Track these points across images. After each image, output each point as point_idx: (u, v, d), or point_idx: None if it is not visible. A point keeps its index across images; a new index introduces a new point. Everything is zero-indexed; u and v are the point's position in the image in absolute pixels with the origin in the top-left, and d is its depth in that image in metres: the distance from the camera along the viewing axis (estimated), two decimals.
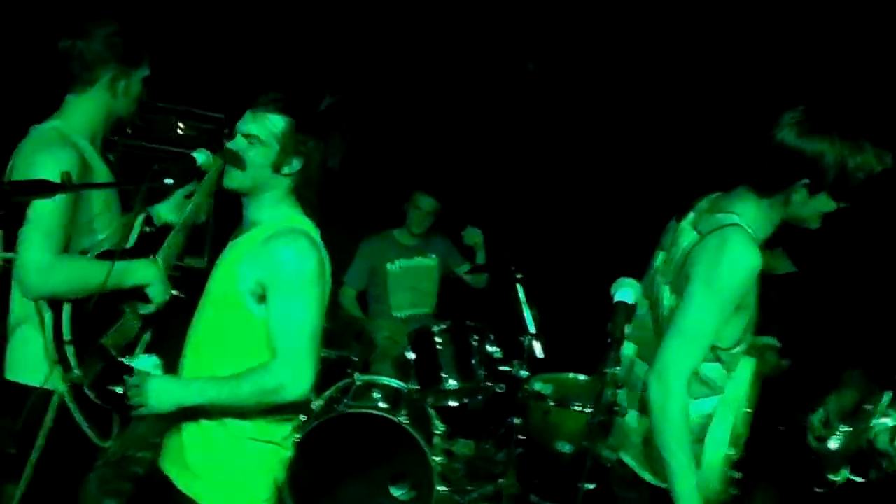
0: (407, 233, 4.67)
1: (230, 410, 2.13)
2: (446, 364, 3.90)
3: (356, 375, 3.95)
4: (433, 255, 4.72)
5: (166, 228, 2.46)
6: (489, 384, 3.94)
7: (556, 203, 5.34)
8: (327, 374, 3.78)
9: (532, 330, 3.90)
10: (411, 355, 3.98)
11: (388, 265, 4.63)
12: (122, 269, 2.22)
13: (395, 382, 3.95)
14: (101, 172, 2.36)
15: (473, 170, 5.30)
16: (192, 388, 2.11)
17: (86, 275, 2.18)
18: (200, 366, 2.21)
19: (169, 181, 2.08)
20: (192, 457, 2.19)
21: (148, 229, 2.43)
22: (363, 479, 3.78)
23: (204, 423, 2.17)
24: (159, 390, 2.07)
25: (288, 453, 2.27)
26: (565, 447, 3.69)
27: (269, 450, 2.21)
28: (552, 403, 3.75)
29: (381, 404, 3.72)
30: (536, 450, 3.83)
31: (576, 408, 3.70)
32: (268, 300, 2.13)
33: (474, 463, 4.36)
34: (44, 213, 2.14)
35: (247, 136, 2.19)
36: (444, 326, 3.97)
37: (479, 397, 4.06)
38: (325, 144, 2.24)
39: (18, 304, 2.30)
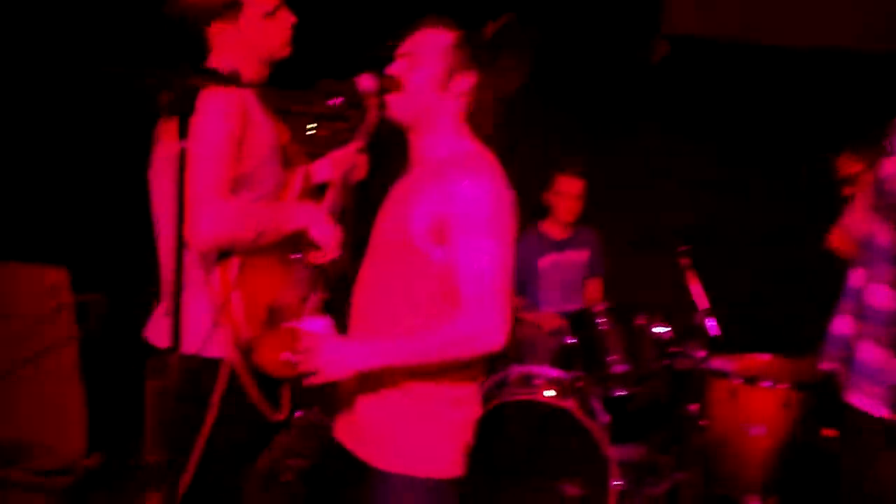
0: (556, 224, 4.35)
1: (415, 370, 1.89)
2: (612, 347, 3.56)
3: (511, 368, 3.66)
4: (583, 250, 4.37)
5: (323, 188, 2.27)
6: (661, 367, 3.59)
7: (713, 167, 4.89)
8: None
9: (704, 307, 3.55)
10: (571, 340, 3.66)
11: (538, 261, 4.31)
12: (286, 212, 2.07)
13: (554, 372, 3.64)
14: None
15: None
16: (372, 349, 1.87)
17: (258, 219, 2.00)
18: (373, 325, 1.99)
19: (333, 102, 1.88)
20: (372, 425, 1.97)
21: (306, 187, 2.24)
22: (528, 475, 3.46)
23: (383, 386, 1.94)
24: (335, 354, 1.85)
25: (476, 414, 2.00)
26: (758, 430, 3.29)
27: (455, 409, 1.96)
28: (740, 381, 3.35)
29: (547, 392, 3.41)
30: (721, 437, 3.43)
31: (767, 385, 3.29)
32: (450, 241, 1.87)
33: (647, 456, 3.97)
34: (209, 155, 1.96)
35: (407, 55, 1.96)
36: (606, 306, 3.64)
37: (650, 382, 3.70)
38: (500, 62, 1.99)
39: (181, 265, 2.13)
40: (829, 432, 3.34)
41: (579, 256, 4.35)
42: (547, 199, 4.29)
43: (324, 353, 1.84)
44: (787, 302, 4.31)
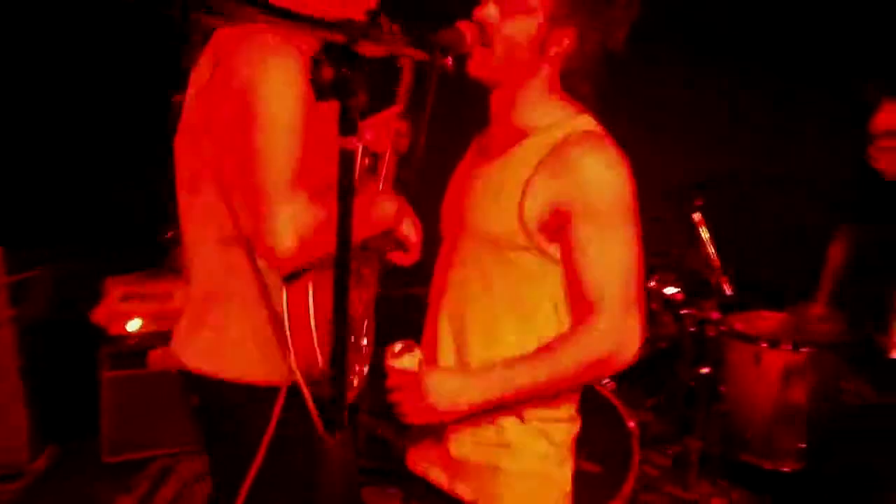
0: None
1: (539, 396, 1.52)
2: None
3: None
4: None
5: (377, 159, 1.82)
6: (672, 330, 3.37)
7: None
8: None
9: (717, 264, 3.34)
10: None
11: None
12: (371, 209, 1.61)
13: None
14: None
15: None
16: (491, 379, 1.49)
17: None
18: (472, 344, 1.57)
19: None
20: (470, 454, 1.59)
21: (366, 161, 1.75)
22: None
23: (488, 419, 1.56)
24: (445, 389, 1.48)
25: (577, 428, 1.64)
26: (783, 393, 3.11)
27: (561, 429, 1.60)
28: (765, 345, 3.16)
29: None
30: (744, 401, 3.25)
31: (789, 348, 3.12)
32: (573, 235, 1.49)
33: (654, 422, 3.77)
34: (284, 129, 1.46)
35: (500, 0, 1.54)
36: None
37: (660, 346, 3.47)
38: (605, 15, 1.54)
39: (217, 277, 1.65)
40: (849, 385, 3.21)
41: None
42: None
43: (428, 391, 1.48)
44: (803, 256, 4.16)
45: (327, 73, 1.11)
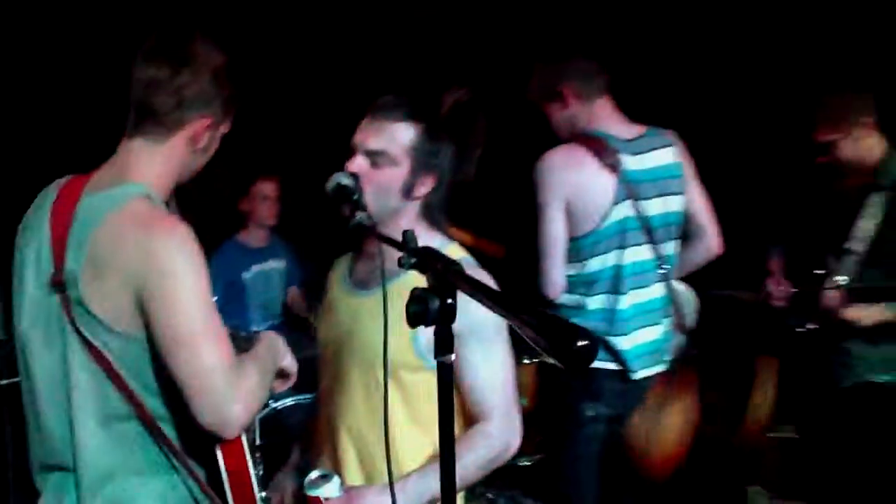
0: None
1: None
2: None
3: None
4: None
5: None
6: None
7: None
8: None
9: None
10: None
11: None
12: (267, 349, 1.77)
13: None
14: None
15: None
16: (409, 489, 1.69)
17: (262, 374, 1.67)
18: (374, 456, 1.78)
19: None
20: None
21: None
22: None
23: None
24: None
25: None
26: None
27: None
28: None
29: None
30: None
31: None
32: (461, 352, 1.68)
33: None
34: (206, 316, 1.56)
35: (370, 153, 1.76)
36: None
37: None
38: (457, 152, 1.80)
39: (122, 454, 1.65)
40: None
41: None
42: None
43: None
44: None
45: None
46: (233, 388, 1.54)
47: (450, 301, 1.23)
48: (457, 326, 1.54)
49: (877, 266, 2.81)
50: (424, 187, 1.79)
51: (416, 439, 1.77)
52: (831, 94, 2.94)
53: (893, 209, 2.82)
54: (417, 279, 1.61)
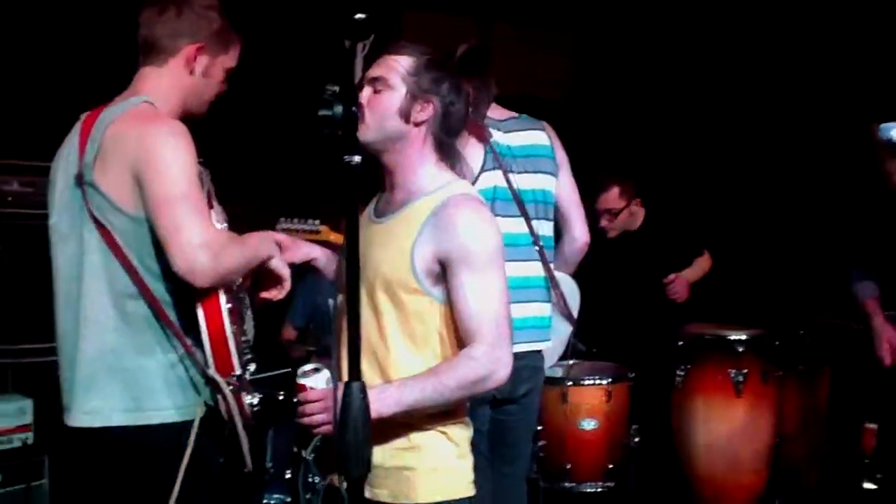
0: None
1: (428, 409, 1.87)
2: None
3: None
4: None
5: None
6: None
7: None
8: None
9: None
10: None
11: None
12: (253, 240, 2.01)
13: None
14: None
15: None
16: (388, 396, 1.81)
17: (243, 247, 1.94)
18: (366, 371, 1.83)
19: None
20: (385, 461, 1.90)
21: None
22: None
23: (394, 430, 1.90)
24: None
25: (471, 431, 2.01)
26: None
27: (458, 429, 1.96)
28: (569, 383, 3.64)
29: None
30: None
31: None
32: (453, 279, 1.85)
33: None
34: (187, 188, 1.85)
35: (372, 80, 1.93)
36: None
37: None
38: (465, 86, 1.95)
39: (112, 325, 1.91)
40: None
41: None
42: None
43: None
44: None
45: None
46: (204, 237, 1.81)
47: (353, 109, 1.53)
48: (448, 254, 1.87)
49: None
50: (424, 113, 1.92)
51: (409, 356, 1.90)
52: None
53: None
54: (425, 208, 1.85)
